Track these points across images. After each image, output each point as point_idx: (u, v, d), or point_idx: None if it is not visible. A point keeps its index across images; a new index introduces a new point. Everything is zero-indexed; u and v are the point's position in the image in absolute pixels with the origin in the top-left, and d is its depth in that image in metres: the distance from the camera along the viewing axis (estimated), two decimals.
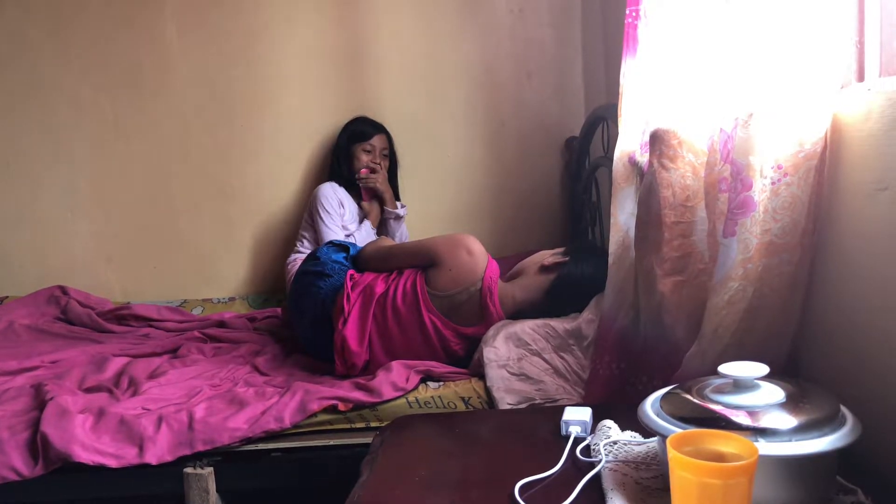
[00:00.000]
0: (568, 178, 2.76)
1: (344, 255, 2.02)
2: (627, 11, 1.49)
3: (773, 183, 1.14)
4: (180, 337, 2.27)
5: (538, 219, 2.81)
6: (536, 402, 1.59)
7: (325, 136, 2.72)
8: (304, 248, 2.52)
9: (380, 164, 2.59)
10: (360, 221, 2.56)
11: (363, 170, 2.56)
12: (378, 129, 2.61)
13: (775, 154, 1.13)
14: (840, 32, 1.14)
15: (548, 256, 1.92)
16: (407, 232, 2.65)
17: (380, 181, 2.57)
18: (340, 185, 2.58)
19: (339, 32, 2.71)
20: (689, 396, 0.97)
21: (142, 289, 2.74)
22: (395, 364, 1.74)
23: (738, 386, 0.93)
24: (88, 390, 1.82)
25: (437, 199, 2.79)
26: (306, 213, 2.58)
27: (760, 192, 1.14)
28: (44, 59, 2.65)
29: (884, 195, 1.01)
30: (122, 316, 2.49)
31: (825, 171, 1.15)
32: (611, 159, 1.63)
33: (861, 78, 1.19)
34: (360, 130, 2.60)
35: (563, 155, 2.81)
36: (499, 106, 2.78)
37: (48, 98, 2.66)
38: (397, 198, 2.68)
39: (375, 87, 2.74)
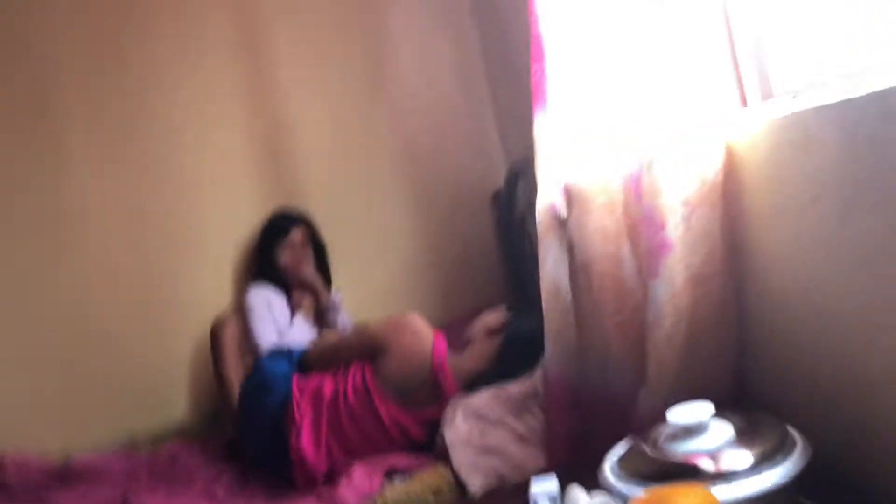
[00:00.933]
0: (500, 231, 2.78)
1: (287, 360, 1.98)
2: (532, 70, 1.51)
3: (684, 219, 1.18)
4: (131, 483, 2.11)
5: (477, 276, 2.79)
6: (505, 474, 1.55)
7: (253, 233, 2.67)
8: None
9: (303, 257, 2.51)
10: (293, 315, 2.48)
11: (288, 262, 2.50)
12: (294, 221, 2.52)
13: (681, 192, 1.18)
14: (719, 68, 1.22)
15: (492, 319, 1.92)
16: (347, 318, 2.57)
17: (307, 273, 2.52)
18: (268, 283, 2.50)
19: (255, 127, 2.67)
20: (645, 449, 0.97)
21: (82, 436, 2.53)
22: (356, 467, 1.68)
23: (689, 431, 0.94)
24: None
25: (373, 276, 2.73)
26: None
27: (674, 229, 1.17)
28: None
29: (779, 219, 1.06)
30: (66, 475, 2.19)
31: (730, 198, 1.19)
32: (535, 211, 1.63)
33: (745, 103, 1.26)
34: (277, 226, 2.51)
35: (492, 209, 2.84)
36: (420, 172, 2.78)
37: None
38: (329, 282, 2.61)
39: (297, 175, 2.71)
